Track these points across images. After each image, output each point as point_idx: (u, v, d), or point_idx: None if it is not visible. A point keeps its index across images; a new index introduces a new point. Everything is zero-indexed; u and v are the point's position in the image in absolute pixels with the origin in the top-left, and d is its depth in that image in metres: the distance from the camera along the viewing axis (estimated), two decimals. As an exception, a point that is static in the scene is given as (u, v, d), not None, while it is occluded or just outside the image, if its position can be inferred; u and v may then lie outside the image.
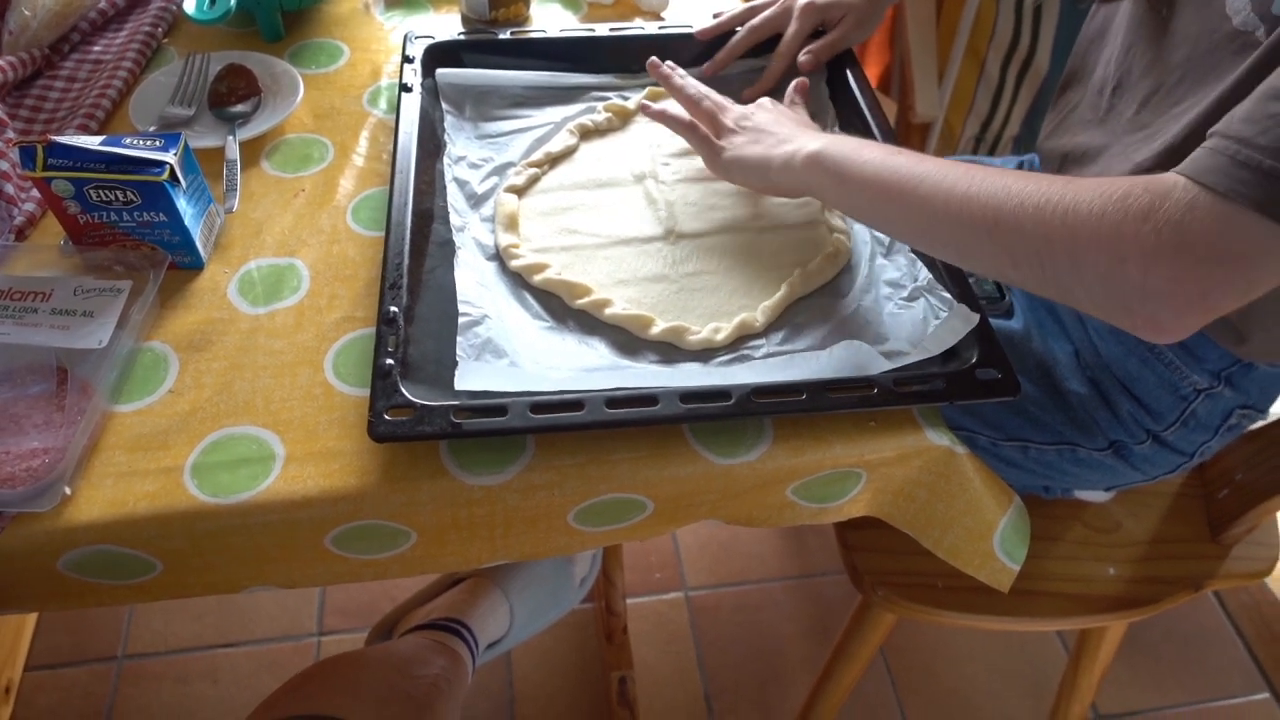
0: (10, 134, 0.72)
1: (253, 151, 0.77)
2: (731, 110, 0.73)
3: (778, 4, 0.86)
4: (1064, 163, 0.78)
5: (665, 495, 0.60)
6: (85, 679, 1.22)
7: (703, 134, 0.73)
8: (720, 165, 0.71)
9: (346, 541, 0.58)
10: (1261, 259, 0.47)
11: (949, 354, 0.61)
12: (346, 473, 0.56)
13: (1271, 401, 0.78)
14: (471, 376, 0.56)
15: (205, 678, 1.23)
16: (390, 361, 0.57)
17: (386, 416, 0.54)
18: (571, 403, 0.56)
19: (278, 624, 1.29)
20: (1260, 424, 0.82)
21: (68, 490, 0.54)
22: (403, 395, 0.55)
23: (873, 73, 1.85)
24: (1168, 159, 0.61)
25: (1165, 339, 0.50)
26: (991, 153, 1.57)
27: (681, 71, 0.79)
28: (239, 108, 0.78)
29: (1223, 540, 0.92)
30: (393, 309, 0.60)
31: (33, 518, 0.53)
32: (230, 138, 0.75)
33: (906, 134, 1.78)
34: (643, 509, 0.61)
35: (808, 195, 0.67)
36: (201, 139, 0.75)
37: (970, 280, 0.65)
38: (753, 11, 0.87)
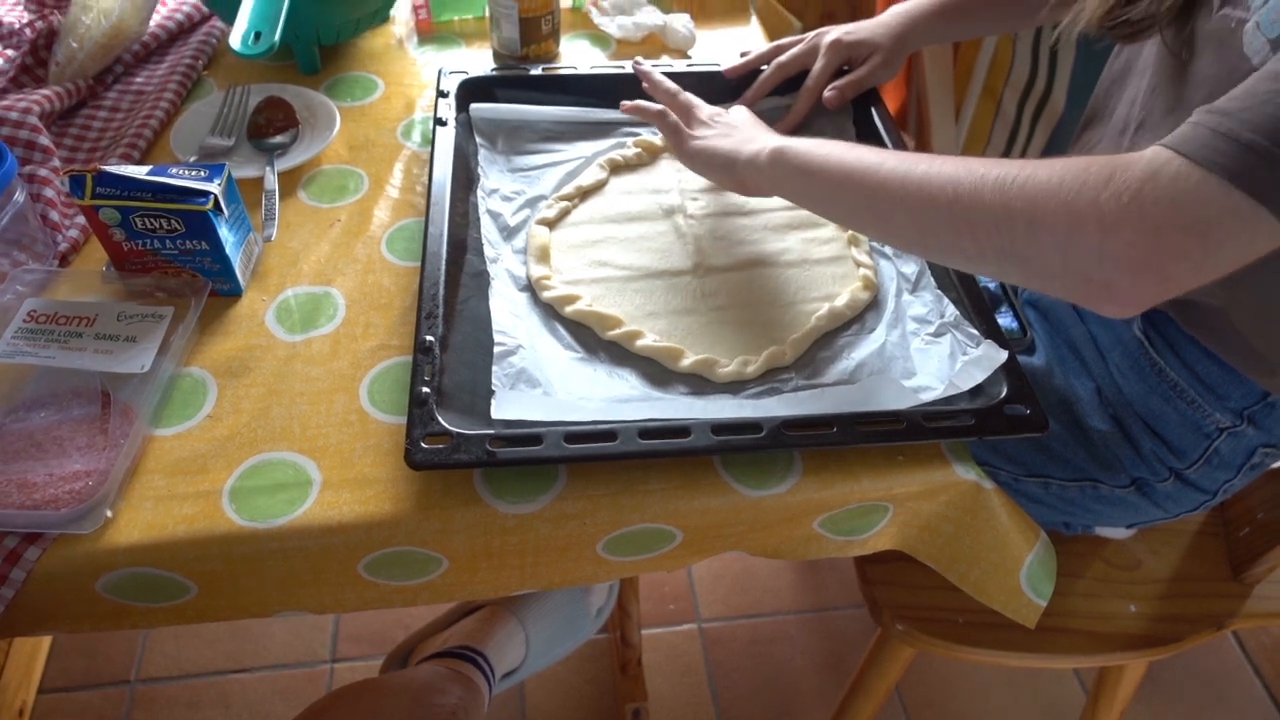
0: (56, 162, 0.74)
1: (290, 182, 0.79)
2: (705, 108, 0.77)
3: (804, 41, 0.88)
4: None
5: (695, 526, 0.60)
6: (98, 702, 1.22)
7: (673, 121, 0.75)
8: (688, 152, 0.74)
9: (379, 568, 0.59)
10: (1225, 229, 0.46)
11: (977, 390, 0.61)
12: (382, 499, 0.57)
13: (1295, 440, 0.78)
14: (509, 405, 0.57)
15: (217, 704, 1.23)
16: (426, 390, 0.58)
17: (423, 444, 0.55)
18: (605, 433, 0.56)
19: (291, 650, 1.29)
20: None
21: (109, 513, 0.55)
22: (439, 423, 0.56)
23: (889, 109, 1.88)
24: None
25: (1119, 310, 0.50)
26: (1007, 189, 1.59)
27: (660, 75, 0.82)
28: (277, 139, 0.80)
29: (1244, 579, 0.91)
30: (428, 338, 0.61)
31: (74, 539, 0.54)
32: (269, 168, 0.76)
33: (921, 170, 1.80)
34: (671, 539, 0.61)
35: (774, 193, 0.68)
36: (240, 169, 0.77)
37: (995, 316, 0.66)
38: (779, 50, 0.89)
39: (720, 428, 0.57)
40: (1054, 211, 0.49)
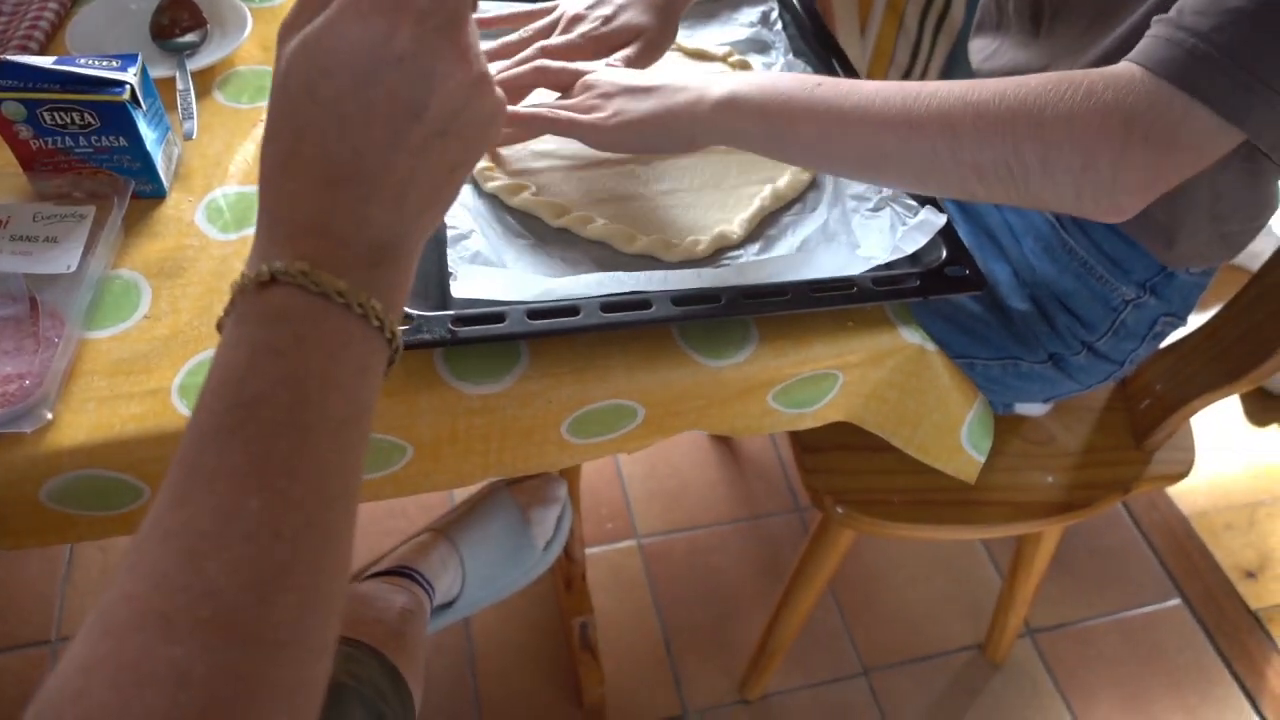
0: (-60, 63, 0.68)
1: (203, 83, 0.74)
2: (589, 83, 0.65)
3: (559, 27, 0.73)
4: None
5: (656, 401, 0.61)
6: (17, 665, 1.17)
7: (567, 118, 0.63)
8: (606, 139, 0.63)
9: (342, 459, 0.58)
10: (1211, 147, 0.52)
11: (917, 257, 0.64)
12: (342, 387, 0.55)
13: (1190, 309, 0.84)
14: (470, 282, 0.56)
15: (150, 653, 1.19)
16: (381, 274, 0.56)
17: (384, 326, 0.54)
18: (567, 308, 0.56)
19: (224, 595, 1.25)
20: (1174, 338, 0.89)
21: (49, 415, 0.52)
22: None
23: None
24: (1100, 64, 0.65)
25: (1119, 219, 0.55)
26: (911, 106, 1.63)
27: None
28: (187, 38, 0.75)
29: (1145, 447, 0.99)
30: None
31: (14, 444, 0.51)
32: (180, 68, 0.72)
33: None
34: (634, 417, 0.62)
35: (729, 144, 0.62)
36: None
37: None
38: (531, 17, 0.76)
39: (680, 299, 0.58)
40: (1067, 147, 0.51)
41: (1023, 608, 1.21)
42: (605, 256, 0.64)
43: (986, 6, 0.87)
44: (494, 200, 0.67)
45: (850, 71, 0.79)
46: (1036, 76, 0.54)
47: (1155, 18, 0.53)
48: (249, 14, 0.78)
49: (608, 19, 0.72)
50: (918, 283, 0.61)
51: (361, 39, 0.33)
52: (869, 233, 0.67)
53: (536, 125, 0.65)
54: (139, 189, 0.64)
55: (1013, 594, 1.19)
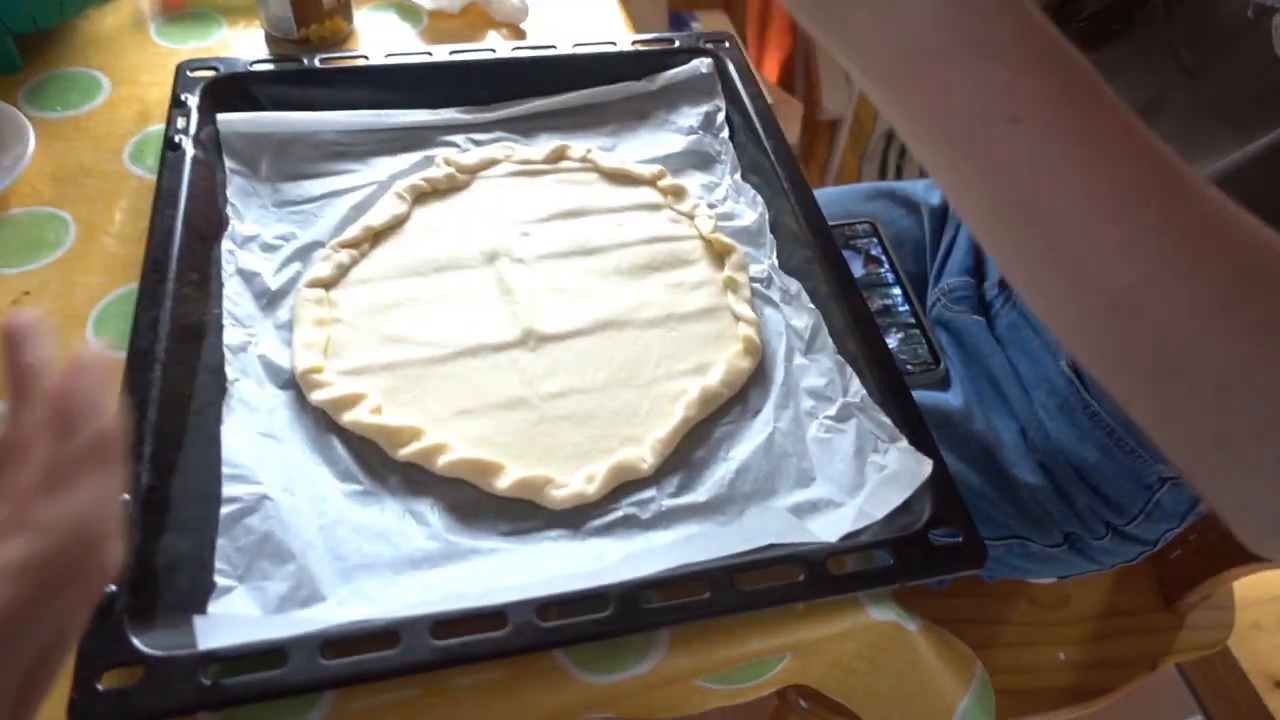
0: None
1: (-40, 235, 0.57)
2: None
3: None
4: None
5: (530, 720, 0.44)
6: None
7: None
8: None
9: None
10: None
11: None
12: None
13: (1242, 481, 0.67)
14: (218, 631, 0.38)
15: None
16: (113, 588, 0.39)
17: (99, 686, 0.37)
18: (383, 632, 0.39)
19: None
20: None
21: None
22: (130, 646, 0.37)
23: (772, 64, 1.71)
24: None
25: None
26: (903, 154, 1.45)
27: None
28: (-66, 178, 0.57)
29: (1177, 608, 0.82)
30: (123, 498, 0.42)
31: None
32: (-80, 222, 0.54)
33: (814, 133, 1.65)
34: (503, 735, 0.45)
35: None
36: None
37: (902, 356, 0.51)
38: None
39: (549, 607, 0.41)
40: None
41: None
42: (465, 501, 0.47)
43: None
44: (321, 416, 0.49)
45: (813, 207, 0.61)
46: None
47: None
48: (32, 133, 0.60)
49: None
50: (891, 561, 0.44)
51: None
52: (830, 457, 0.49)
53: None
54: None
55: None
